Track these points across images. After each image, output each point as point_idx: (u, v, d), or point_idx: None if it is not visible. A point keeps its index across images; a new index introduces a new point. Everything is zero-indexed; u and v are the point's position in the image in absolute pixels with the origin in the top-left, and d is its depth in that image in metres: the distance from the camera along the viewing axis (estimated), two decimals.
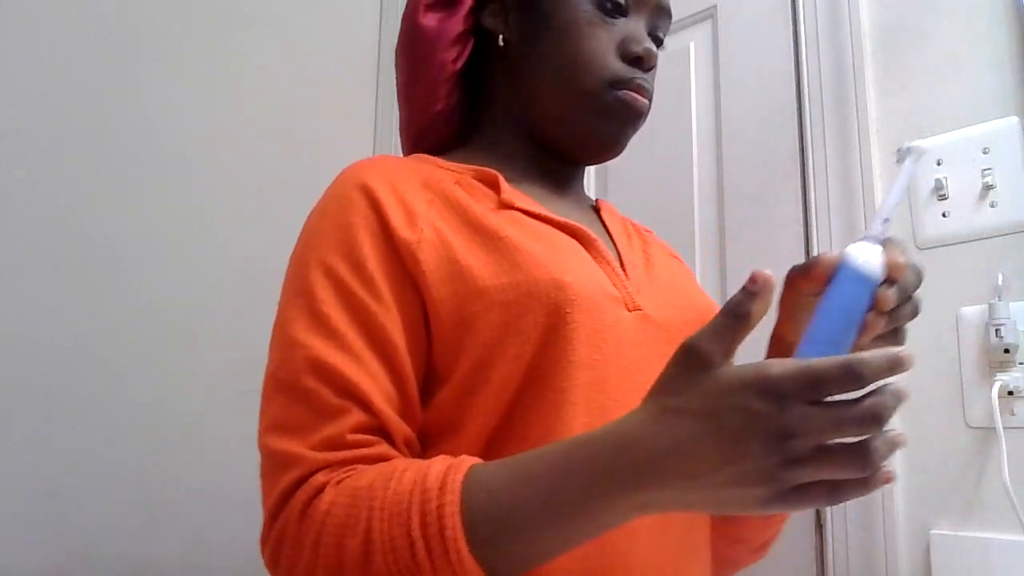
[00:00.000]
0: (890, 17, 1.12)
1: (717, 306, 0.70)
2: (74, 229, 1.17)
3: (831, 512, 1.04)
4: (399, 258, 0.58)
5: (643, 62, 0.68)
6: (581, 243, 0.64)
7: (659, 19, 0.72)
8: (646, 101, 0.69)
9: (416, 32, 0.73)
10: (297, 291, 0.59)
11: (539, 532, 0.46)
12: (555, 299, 0.57)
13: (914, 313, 0.51)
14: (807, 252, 1.13)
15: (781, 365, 0.41)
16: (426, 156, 0.71)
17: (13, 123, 1.13)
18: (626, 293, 0.63)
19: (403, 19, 0.75)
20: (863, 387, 0.42)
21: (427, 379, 0.59)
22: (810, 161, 1.14)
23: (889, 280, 0.47)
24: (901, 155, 0.51)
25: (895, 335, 0.52)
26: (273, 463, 0.53)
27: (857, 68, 1.12)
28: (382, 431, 0.54)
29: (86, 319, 1.16)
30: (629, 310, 0.62)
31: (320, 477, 0.50)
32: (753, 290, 0.43)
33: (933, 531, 0.96)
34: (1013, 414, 0.92)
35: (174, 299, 1.26)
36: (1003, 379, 0.92)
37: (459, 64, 0.72)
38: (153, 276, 1.24)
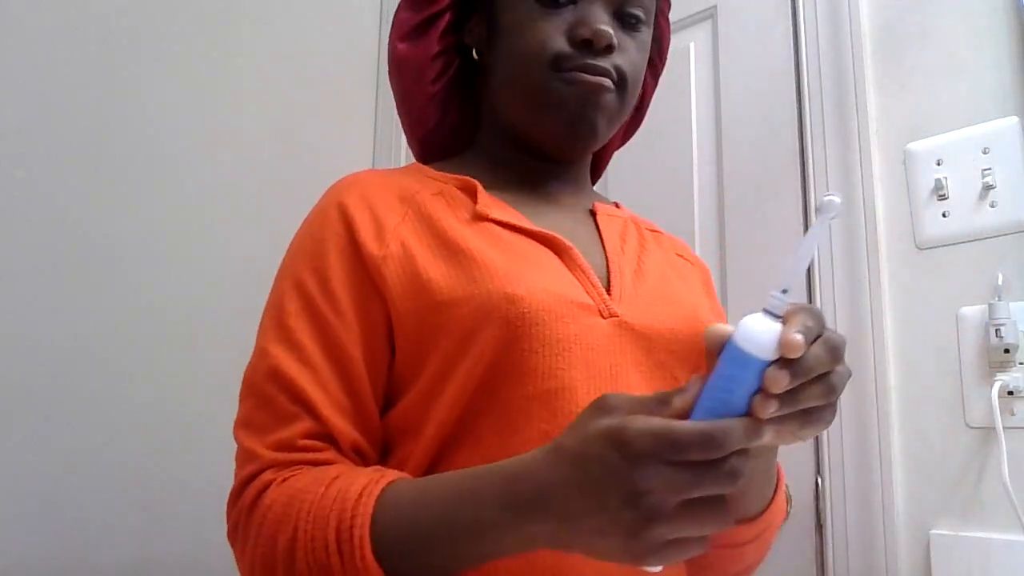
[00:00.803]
0: (890, 17, 1.12)
1: (709, 314, 0.70)
2: (74, 229, 1.17)
3: (831, 512, 1.04)
4: (366, 272, 0.62)
5: (592, 43, 0.65)
6: (554, 251, 0.65)
7: None
8: (599, 80, 0.66)
9: (394, 60, 0.76)
10: (273, 302, 0.65)
11: (434, 550, 0.50)
12: (506, 312, 0.58)
13: (828, 394, 0.44)
14: None
15: (643, 423, 0.42)
16: (420, 167, 0.74)
17: (13, 123, 1.13)
18: (601, 301, 0.63)
19: (388, 48, 0.78)
20: (722, 454, 0.42)
21: (392, 386, 0.63)
22: (810, 161, 1.15)
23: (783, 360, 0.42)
24: (822, 208, 0.44)
25: (809, 415, 0.45)
26: (238, 455, 0.61)
27: (857, 68, 1.12)
28: (329, 437, 0.59)
29: (86, 319, 1.16)
30: (604, 317, 0.62)
31: (268, 475, 0.57)
32: (685, 388, 0.45)
33: (933, 531, 0.96)
34: (1013, 414, 0.92)
35: (174, 299, 1.26)
36: (1003, 379, 0.92)
37: (439, 84, 0.74)
38: (153, 276, 1.24)
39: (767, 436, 0.43)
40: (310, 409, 0.59)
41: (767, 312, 0.43)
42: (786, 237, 1.15)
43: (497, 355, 0.58)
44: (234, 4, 1.44)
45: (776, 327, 0.42)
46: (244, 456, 0.60)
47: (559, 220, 0.70)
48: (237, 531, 0.59)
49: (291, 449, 0.58)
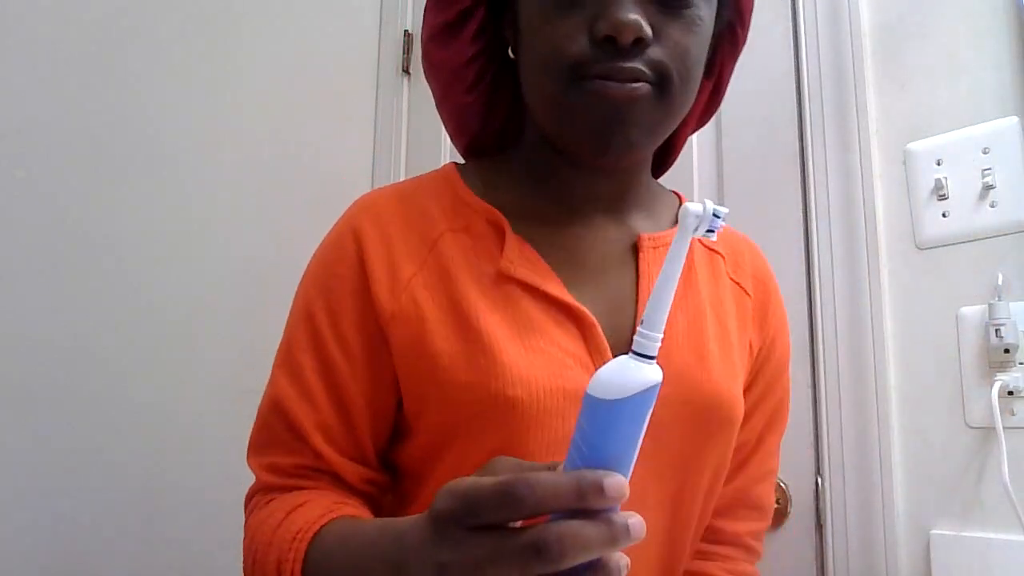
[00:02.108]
0: (890, 17, 1.12)
1: (733, 391, 0.63)
2: (74, 229, 1.17)
3: (831, 512, 1.04)
4: (377, 323, 0.61)
5: (616, 40, 0.54)
6: (577, 328, 0.59)
7: None
8: (627, 89, 0.55)
9: (429, 61, 0.70)
10: (289, 324, 0.66)
11: None
12: (506, 416, 0.56)
13: None
14: (807, 252, 1.13)
15: (454, 484, 0.38)
16: (451, 175, 0.67)
17: (13, 123, 1.13)
18: None
19: (421, 45, 0.71)
20: (523, 516, 0.36)
21: (402, 423, 0.64)
22: (810, 161, 1.14)
23: None
24: (683, 217, 0.38)
25: None
26: (251, 469, 0.65)
27: (857, 68, 1.12)
28: (330, 473, 0.62)
29: (86, 319, 1.16)
30: None
31: (259, 497, 0.62)
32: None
33: (933, 531, 0.96)
34: (1013, 414, 0.92)
35: (174, 299, 1.26)
36: (1003, 379, 0.92)
37: (476, 93, 0.67)
38: (153, 276, 1.24)
39: (604, 496, 0.35)
40: (310, 445, 0.61)
41: (633, 353, 0.38)
42: (786, 237, 1.15)
43: (494, 448, 0.55)
44: (234, 4, 1.44)
45: (636, 364, 0.37)
46: (253, 470, 0.65)
47: (594, 263, 0.63)
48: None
49: (284, 475, 0.62)
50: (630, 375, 0.37)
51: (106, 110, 1.23)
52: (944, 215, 1.02)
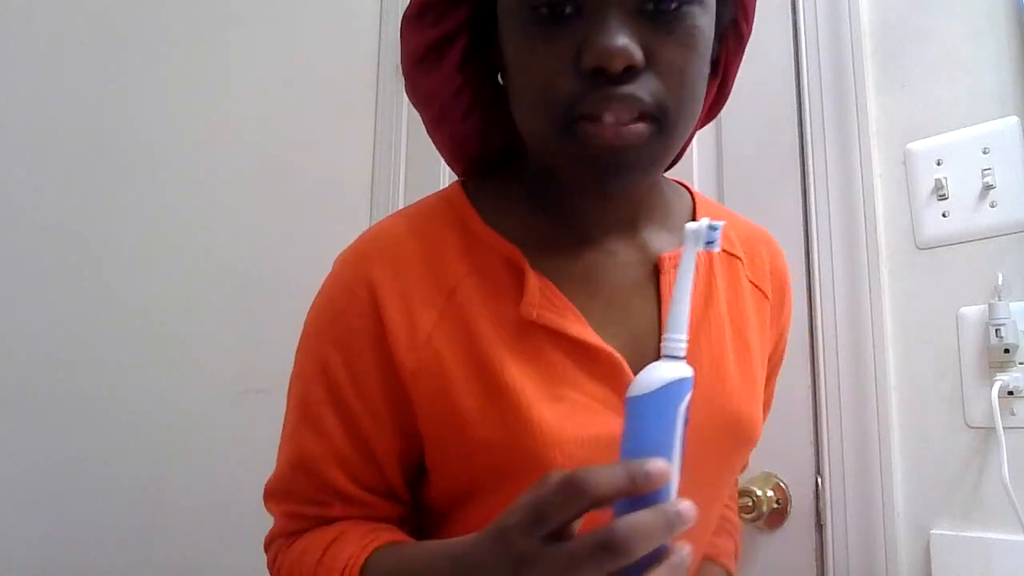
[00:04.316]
0: (890, 17, 1.12)
1: (754, 413, 0.63)
2: (73, 229, 1.17)
3: (831, 512, 1.04)
4: (398, 378, 0.59)
5: (606, 71, 0.49)
6: (603, 371, 0.57)
7: None
8: (618, 130, 0.51)
9: (415, 89, 0.64)
10: (299, 374, 0.63)
11: None
12: (537, 475, 0.54)
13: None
14: (807, 252, 1.13)
15: (519, 500, 0.40)
16: (460, 204, 0.63)
17: (13, 123, 1.13)
18: None
19: (402, 71, 0.66)
20: (592, 506, 0.38)
21: (426, 464, 0.63)
22: (810, 161, 1.14)
23: None
24: (685, 236, 0.43)
25: None
26: (270, 511, 0.65)
27: (857, 68, 1.12)
28: (363, 510, 0.62)
29: (85, 320, 1.16)
30: None
31: (284, 540, 0.63)
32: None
33: (933, 531, 0.96)
34: (1013, 414, 0.92)
35: (173, 300, 1.26)
36: (1003, 379, 0.92)
37: (472, 121, 0.63)
38: (152, 277, 1.24)
39: (651, 480, 0.38)
40: (341, 496, 0.61)
41: (663, 356, 0.43)
42: (786, 237, 1.15)
43: None
44: (233, 4, 1.44)
45: (664, 364, 0.42)
46: (272, 516, 0.65)
47: (616, 291, 0.61)
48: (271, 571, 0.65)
49: (307, 521, 0.62)
50: (659, 372, 0.41)
51: (104, 110, 1.23)
52: (944, 215, 1.02)
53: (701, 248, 0.43)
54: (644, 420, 0.41)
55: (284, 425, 0.65)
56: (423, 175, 1.52)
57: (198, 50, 1.36)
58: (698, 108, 0.57)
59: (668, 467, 0.40)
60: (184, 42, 1.34)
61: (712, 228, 0.43)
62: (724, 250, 0.67)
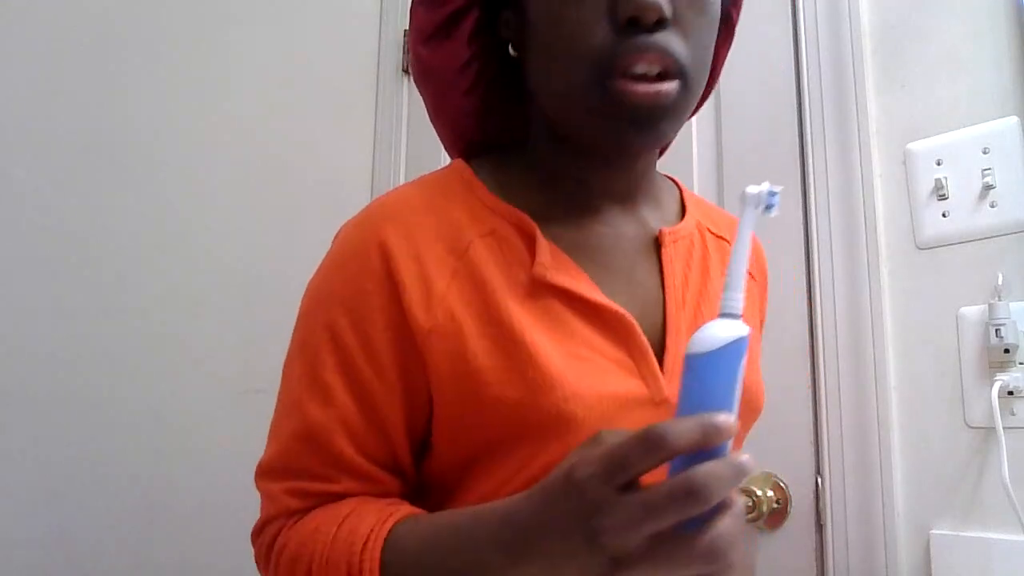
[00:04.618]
0: (890, 17, 1.12)
1: (759, 383, 0.65)
2: (73, 229, 1.17)
3: (831, 512, 1.04)
4: (412, 339, 0.57)
5: (640, 20, 0.52)
6: (616, 332, 0.58)
7: None
8: (651, 88, 0.53)
9: (421, 66, 0.66)
10: (304, 344, 0.60)
11: None
12: (560, 431, 0.54)
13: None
14: (807, 252, 1.13)
15: (591, 451, 0.40)
16: (466, 175, 0.63)
17: (13, 123, 1.13)
18: (655, 387, 0.57)
19: (409, 49, 0.68)
20: (669, 456, 0.39)
21: (429, 436, 0.60)
22: (810, 161, 1.14)
23: None
24: (744, 199, 0.44)
25: None
26: (262, 493, 0.61)
27: (857, 68, 1.12)
28: (372, 486, 0.59)
29: (85, 320, 1.16)
30: (655, 405, 0.57)
31: (284, 520, 0.58)
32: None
33: (933, 531, 0.96)
34: (1013, 414, 0.92)
35: (173, 300, 1.26)
36: (1003, 379, 0.92)
37: (475, 96, 0.65)
38: (152, 277, 1.24)
39: (721, 433, 0.39)
40: (349, 469, 0.58)
41: (721, 315, 0.43)
42: (786, 237, 1.15)
43: (544, 466, 0.53)
44: (233, 4, 1.44)
45: (723, 322, 0.42)
46: (265, 498, 0.61)
47: (621, 262, 0.62)
48: (259, 565, 0.61)
49: (312, 499, 0.58)
50: (719, 330, 0.41)
51: (104, 110, 1.23)
52: (944, 215, 1.02)
53: (760, 212, 0.44)
54: (707, 377, 0.41)
55: (280, 403, 0.61)
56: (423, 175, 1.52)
57: (198, 50, 1.36)
58: (707, 75, 0.60)
59: (735, 422, 0.40)
60: (184, 42, 1.34)
61: (772, 193, 0.43)
62: (711, 231, 0.69)
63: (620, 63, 0.53)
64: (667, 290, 0.62)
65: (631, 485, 0.40)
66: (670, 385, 0.58)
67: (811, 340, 1.10)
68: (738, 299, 0.42)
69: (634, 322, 0.58)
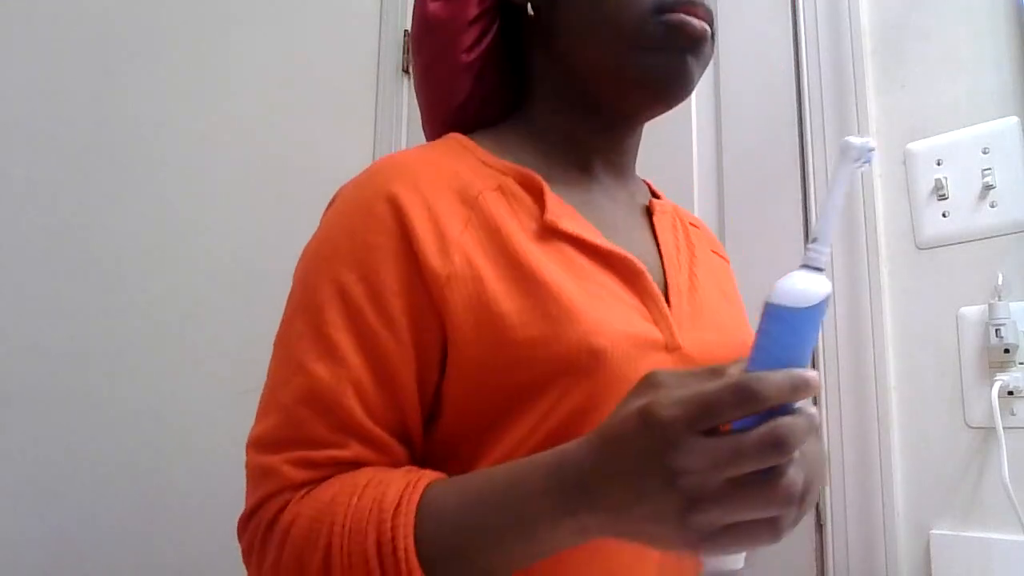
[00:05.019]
0: (890, 16, 1.12)
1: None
2: (72, 229, 1.17)
3: (831, 512, 1.04)
4: (425, 290, 0.54)
5: None
6: (625, 278, 0.59)
7: None
8: (703, 23, 0.60)
9: (425, 22, 0.67)
10: (306, 305, 0.56)
11: (486, 553, 0.47)
12: (588, 366, 0.53)
13: None
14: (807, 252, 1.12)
15: (673, 393, 0.39)
16: (464, 143, 0.64)
17: (13, 123, 1.13)
18: (668, 333, 0.58)
19: (414, 7, 0.70)
20: (760, 409, 0.38)
21: (434, 403, 0.57)
22: (810, 161, 1.14)
23: None
24: (841, 149, 0.43)
25: None
26: (254, 472, 0.54)
27: (857, 68, 1.12)
28: (382, 455, 0.54)
29: (85, 319, 1.16)
30: (669, 351, 0.57)
31: (289, 494, 0.52)
32: (742, 360, 0.41)
33: (933, 531, 0.96)
34: (1013, 414, 0.92)
35: (172, 299, 1.26)
36: (1003, 379, 0.92)
37: (475, 53, 0.66)
38: (152, 276, 1.24)
39: (811, 391, 0.39)
40: (360, 434, 0.53)
41: (804, 266, 0.42)
42: (786, 237, 1.15)
43: (574, 407, 0.53)
44: (233, 4, 1.44)
45: (811, 276, 0.41)
46: (260, 474, 0.54)
47: (619, 223, 0.65)
48: (252, 554, 0.54)
49: (319, 468, 0.53)
50: (813, 286, 0.41)
51: (104, 110, 1.23)
52: (944, 215, 1.02)
53: (856, 166, 0.43)
54: (793, 333, 0.41)
55: (276, 372, 0.57)
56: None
57: (198, 50, 1.36)
58: None
59: (818, 379, 0.41)
60: (184, 42, 1.34)
61: (870, 148, 0.43)
62: (679, 217, 0.72)
63: (677, 6, 0.59)
64: (664, 254, 0.65)
65: (712, 431, 0.39)
66: (681, 334, 0.58)
67: None
68: (825, 253, 0.42)
69: (644, 268, 0.60)
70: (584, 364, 0.53)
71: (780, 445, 0.38)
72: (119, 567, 1.14)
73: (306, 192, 1.49)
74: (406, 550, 0.46)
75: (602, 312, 0.55)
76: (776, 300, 0.41)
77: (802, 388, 0.39)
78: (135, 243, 1.23)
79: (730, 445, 0.38)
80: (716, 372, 0.41)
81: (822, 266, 0.41)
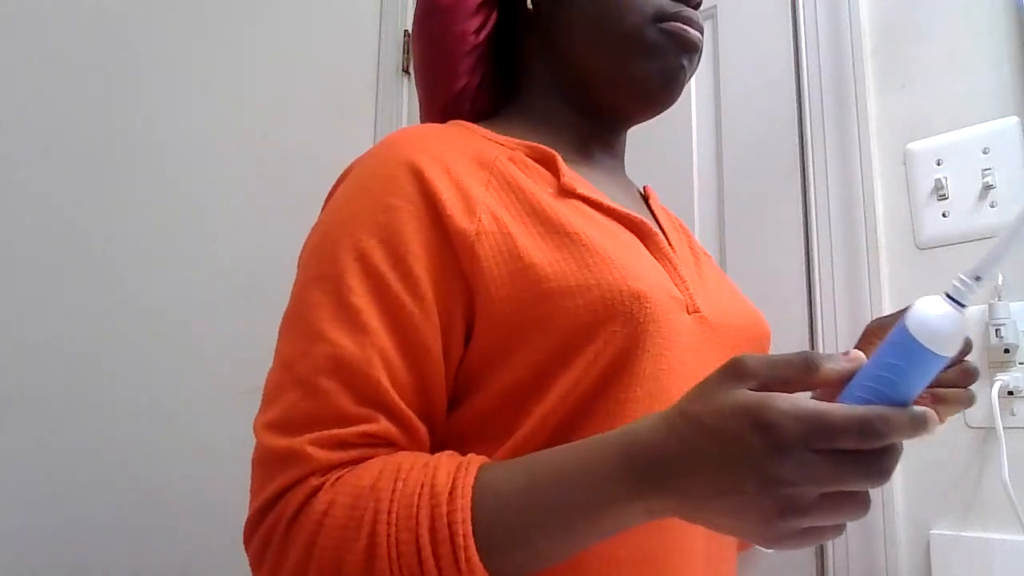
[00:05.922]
0: (890, 16, 1.12)
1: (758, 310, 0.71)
2: (73, 229, 1.17)
3: None
4: (452, 252, 0.52)
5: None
6: (641, 238, 0.60)
7: None
8: (697, 33, 0.65)
9: (431, 2, 0.68)
10: (323, 274, 0.53)
11: (548, 538, 0.44)
12: (632, 310, 0.52)
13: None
14: (807, 252, 1.13)
15: (790, 406, 0.37)
16: (469, 126, 0.64)
17: (13, 123, 1.13)
18: (687, 294, 0.58)
19: None
20: (879, 444, 0.39)
21: (458, 384, 0.55)
22: (810, 161, 1.14)
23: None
24: None
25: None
26: (270, 458, 0.49)
27: (857, 68, 1.12)
28: (407, 434, 0.51)
29: (85, 320, 1.16)
30: (689, 312, 0.57)
31: (316, 479, 0.47)
32: (842, 359, 0.40)
33: (933, 531, 0.96)
34: (1013, 414, 0.92)
35: (173, 299, 1.26)
36: (1003, 379, 0.92)
37: (481, 36, 0.68)
38: (152, 276, 1.24)
39: (931, 430, 0.39)
40: (388, 409, 0.49)
41: (949, 298, 0.39)
42: (786, 237, 1.15)
43: (616, 355, 0.51)
44: (234, 4, 1.44)
45: (959, 319, 0.38)
46: (279, 459, 0.48)
47: (622, 199, 0.66)
48: (268, 550, 0.48)
49: (349, 447, 0.48)
50: (958, 333, 0.39)
51: (104, 110, 1.23)
52: (944, 215, 1.02)
53: None
54: (924, 374, 0.39)
55: (288, 350, 0.53)
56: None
57: (198, 50, 1.36)
58: None
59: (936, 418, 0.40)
60: (184, 42, 1.34)
61: None
62: (669, 214, 0.75)
63: (676, 17, 0.64)
64: (665, 230, 0.67)
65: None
66: (698, 299, 0.59)
67: (811, 340, 1.10)
68: (975, 290, 0.40)
69: (656, 230, 0.62)
70: (627, 307, 0.52)
71: (882, 476, 0.39)
72: (119, 567, 1.14)
73: (306, 192, 1.49)
74: (464, 536, 0.43)
75: (634, 261, 0.55)
76: (925, 342, 0.38)
77: (922, 430, 0.40)
78: (135, 243, 1.23)
79: (841, 469, 0.38)
80: (810, 365, 0.39)
81: (967, 302, 0.39)
